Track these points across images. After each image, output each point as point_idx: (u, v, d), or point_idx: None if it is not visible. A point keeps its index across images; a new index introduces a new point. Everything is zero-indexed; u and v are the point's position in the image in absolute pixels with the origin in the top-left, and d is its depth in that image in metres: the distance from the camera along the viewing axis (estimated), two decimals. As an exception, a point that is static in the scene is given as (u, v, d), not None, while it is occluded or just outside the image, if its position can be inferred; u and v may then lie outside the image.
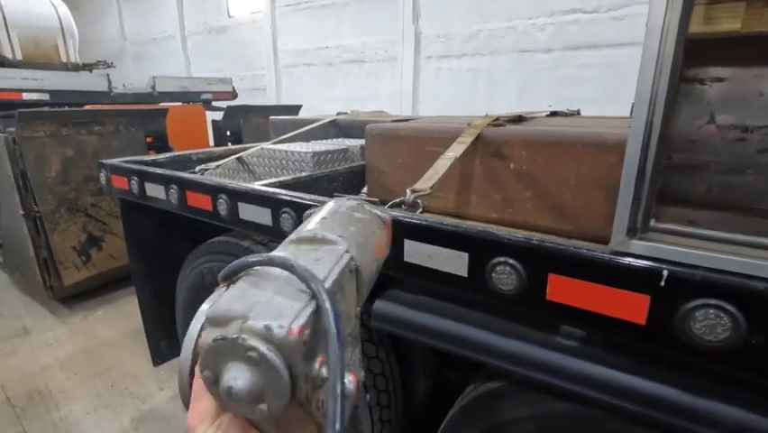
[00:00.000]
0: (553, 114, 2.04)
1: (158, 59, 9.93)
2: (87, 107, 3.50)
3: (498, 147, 1.26)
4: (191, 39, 9.11)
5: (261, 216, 1.21)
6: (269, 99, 7.57)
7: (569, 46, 4.52)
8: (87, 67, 5.42)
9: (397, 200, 1.06)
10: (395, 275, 0.98)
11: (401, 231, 0.91)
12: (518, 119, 1.52)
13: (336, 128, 2.21)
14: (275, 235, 1.19)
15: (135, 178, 1.64)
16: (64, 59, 5.27)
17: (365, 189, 1.57)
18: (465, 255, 0.82)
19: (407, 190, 1.08)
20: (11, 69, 3.75)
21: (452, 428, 1.04)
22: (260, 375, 0.33)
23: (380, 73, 6.09)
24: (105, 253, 3.10)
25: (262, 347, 0.33)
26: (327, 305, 0.37)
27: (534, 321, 0.83)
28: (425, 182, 1.12)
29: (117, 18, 10.57)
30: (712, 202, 1.01)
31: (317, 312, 0.37)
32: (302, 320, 0.35)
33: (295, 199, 1.12)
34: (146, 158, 1.92)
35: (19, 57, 4.79)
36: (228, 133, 4.09)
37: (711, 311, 0.59)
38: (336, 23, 6.37)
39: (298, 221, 1.12)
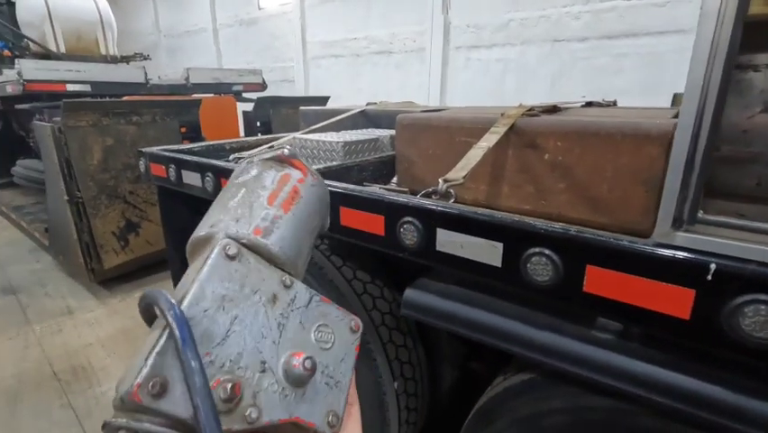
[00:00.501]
0: (589, 104, 1.98)
1: (190, 51, 10.18)
2: (126, 98, 3.63)
3: (532, 137, 1.24)
4: (222, 31, 9.28)
5: (294, 203, 1.23)
6: (298, 91, 7.65)
7: (605, 35, 4.35)
8: (125, 59, 5.62)
9: (429, 190, 1.06)
10: (426, 264, 0.99)
11: (433, 220, 0.91)
12: (553, 109, 1.49)
13: (366, 118, 2.21)
14: (307, 223, 1.21)
15: (173, 165, 1.70)
16: (104, 52, 5.48)
17: (395, 179, 1.57)
18: (500, 245, 0.81)
19: (440, 180, 1.07)
20: (56, 62, 3.93)
21: (481, 418, 1.04)
22: None
23: (408, 64, 6.05)
24: (141, 239, 3.23)
25: (124, 422, 0.30)
26: (174, 327, 0.32)
27: (570, 313, 0.82)
28: (458, 172, 1.11)
29: (153, 12, 10.87)
30: (762, 196, 0.96)
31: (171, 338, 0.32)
32: (145, 370, 0.31)
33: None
34: (182, 147, 1.98)
35: (63, 50, 5.01)
36: (258, 123, 4.16)
37: (762, 307, 0.57)
38: (364, 15, 6.35)
39: (331, 209, 1.13)
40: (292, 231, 0.42)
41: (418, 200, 0.94)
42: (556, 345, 0.80)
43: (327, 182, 1.15)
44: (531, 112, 1.36)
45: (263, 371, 0.35)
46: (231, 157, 1.76)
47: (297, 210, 0.43)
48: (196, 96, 4.36)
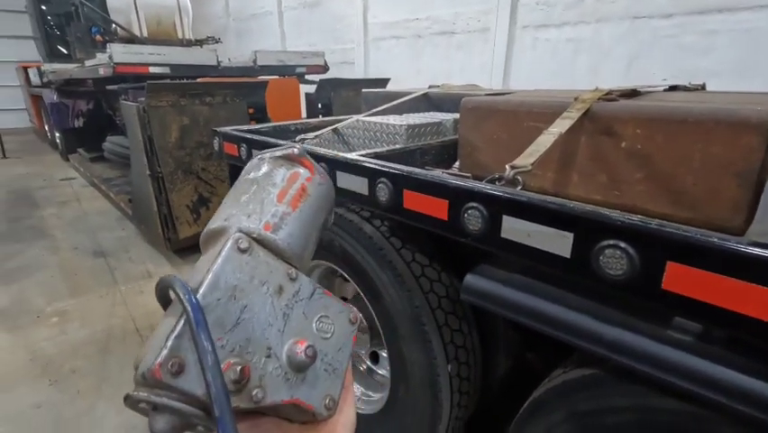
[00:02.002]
0: (673, 88, 1.82)
1: (256, 34, 10.54)
2: (200, 80, 3.86)
3: (608, 124, 1.17)
4: (287, 14, 9.49)
5: (358, 185, 1.26)
6: (357, 73, 7.68)
7: (694, 10, 3.92)
8: (199, 42, 5.95)
9: (495, 176, 1.04)
10: (488, 250, 0.98)
11: (500, 207, 0.90)
12: (632, 93, 1.39)
13: (428, 101, 2.19)
14: (370, 205, 1.24)
15: (244, 145, 1.80)
16: (180, 36, 5.83)
17: (457, 164, 1.56)
18: (570, 235, 0.78)
19: (507, 166, 1.05)
20: (140, 46, 4.24)
21: (536, 409, 1.03)
22: (164, 417, 0.33)
23: (471, 45, 5.85)
24: (211, 213, 3.45)
25: (145, 396, 0.32)
26: (191, 313, 0.34)
27: (643, 310, 0.79)
28: (526, 158, 1.08)
29: (223, -4, 11.33)
30: None
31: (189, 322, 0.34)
32: (165, 351, 0.33)
33: (391, 170, 1.15)
34: (252, 127, 2.09)
35: (145, 34, 5.40)
36: (319, 105, 4.26)
37: None
38: (428, -7, 6.20)
39: (394, 191, 1.15)
40: (299, 227, 0.45)
41: (484, 186, 0.93)
42: (626, 342, 0.77)
43: (391, 165, 1.17)
44: (608, 96, 1.28)
45: (269, 356, 0.38)
46: (297, 138, 1.83)
47: (305, 207, 0.46)
48: (261, 77, 4.54)
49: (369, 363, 1.88)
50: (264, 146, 1.65)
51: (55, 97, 7.09)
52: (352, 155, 1.31)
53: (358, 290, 1.48)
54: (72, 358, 2.34)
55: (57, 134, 7.70)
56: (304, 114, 4.68)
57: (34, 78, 7.93)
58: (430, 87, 2.35)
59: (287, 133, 2.13)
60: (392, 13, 6.86)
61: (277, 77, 4.84)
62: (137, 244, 3.90)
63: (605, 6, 4.43)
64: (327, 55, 6.07)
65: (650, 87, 1.70)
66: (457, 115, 1.86)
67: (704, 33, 3.91)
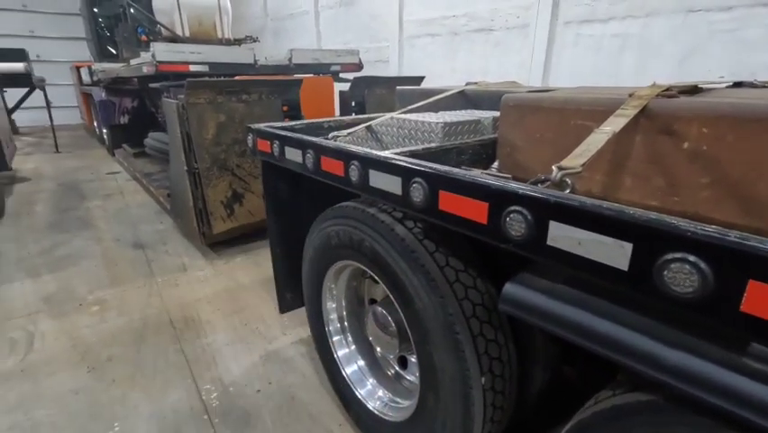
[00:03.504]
0: (738, 84, 1.66)
1: (292, 33, 10.68)
2: (237, 78, 3.92)
3: (668, 122, 1.06)
4: (323, 13, 9.56)
5: (391, 184, 1.21)
6: (392, 71, 7.63)
7: (759, 1, 3.62)
8: (237, 41, 6.08)
9: (540, 177, 0.96)
10: (530, 257, 0.90)
11: (546, 211, 0.83)
12: (693, 90, 1.27)
13: (465, 99, 2.11)
14: (403, 205, 1.19)
15: (277, 142, 1.79)
16: (219, 36, 5.98)
17: (496, 164, 1.48)
18: (629, 246, 0.70)
19: (553, 167, 0.97)
20: (182, 45, 4.37)
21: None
22: None
23: (509, 42, 5.68)
24: (244, 209, 3.51)
25: None
26: None
27: (713, 333, 0.69)
28: (575, 159, 0.99)
29: (262, -4, 11.56)
30: None
31: None
32: None
33: (426, 170, 1.09)
34: (285, 124, 2.08)
35: (187, 34, 5.56)
36: (353, 103, 4.24)
37: None
38: (466, -10, 6.06)
39: (430, 192, 1.09)
40: None
41: (529, 188, 0.85)
42: (692, 368, 0.68)
43: (426, 164, 1.11)
44: (667, 92, 1.17)
45: None
46: (330, 135, 1.80)
47: None
48: (296, 75, 4.57)
49: (397, 367, 1.83)
50: (297, 143, 1.63)
51: (103, 95, 7.46)
52: (386, 153, 1.26)
53: (387, 292, 1.43)
54: (109, 346, 2.42)
55: (104, 130, 8.09)
56: (337, 112, 4.68)
57: (85, 77, 8.37)
58: (467, 84, 2.27)
59: (320, 130, 2.11)
60: (428, 10, 6.76)
61: (311, 75, 4.86)
62: (174, 237, 4.02)
63: (656, 0, 4.17)
64: (362, 53, 6.05)
65: (711, 83, 1.56)
66: (496, 113, 1.78)
67: (768, 27, 3.61)
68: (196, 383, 2.13)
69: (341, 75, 5.06)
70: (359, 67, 5.19)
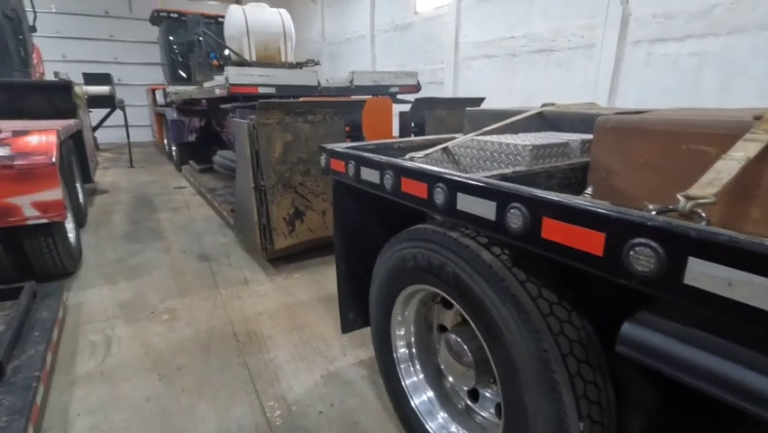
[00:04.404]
0: None
1: (348, 56, 11.06)
2: (302, 99, 4.06)
3: (812, 149, 0.94)
4: (379, 37, 9.84)
5: (484, 209, 1.16)
6: (446, 92, 7.66)
7: None
8: (299, 65, 6.35)
9: (665, 207, 0.88)
10: (657, 295, 0.81)
11: (685, 246, 0.74)
12: (829, 112, 1.13)
13: (542, 120, 2.04)
14: (497, 231, 1.13)
15: (352, 162, 1.79)
16: (283, 59, 6.28)
17: (589, 190, 1.39)
18: (804, 292, 0.60)
19: (679, 196, 0.88)
20: (250, 68, 4.62)
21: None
22: None
23: (571, 62, 5.52)
24: (305, 226, 3.58)
25: None
26: None
27: None
28: (704, 188, 0.90)
29: (320, 22, 12.13)
30: None
31: None
32: None
33: (528, 195, 1.03)
34: (358, 144, 2.09)
35: (254, 58, 5.88)
36: (412, 124, 4.26)
37: None
38: (526, 11, 6.01)
39: (530, 219, 1.03)
40: None
41: (664, 220, 0.77)
42: None
43: (528, 189, 1.05)
44: (804, 115, 1.04)
45: None
46: (407, 156, 1.78)
47: None
48: (355, 97, 4.68)
49: (467, 400, 1.73)
50: (375, 164, 1.62)
51: (175, 115, 8.03)
52: (479, 176, 1.21)
53: (470, 321, 1.36)
54: (178, 355, 2.50)
55: (173, 147, 8.68)
56: (395, 132, 4.71)
57: (159, 99, 9.09)
58: (543, 105, 2.19)
59: (390, 151, 2.10)
60: (485, 32, 6.76)
61: (370, 96, 4.95)
62: (236, 251, 4.16)
63: (741, 16, 3.90)
64: (417, 75, 6.13)
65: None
66: (584, 136, 1.69)
67: None
68: (260, 399, 2.14)
69: (398, 96, 5.12)
70: (417, 88, 5.24)
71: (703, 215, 0.83)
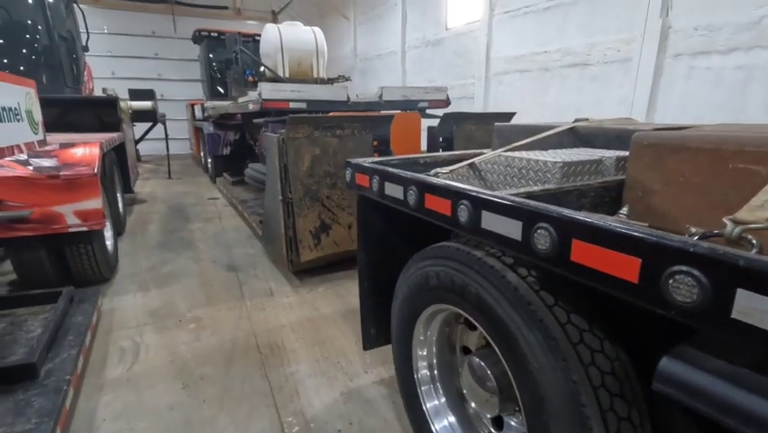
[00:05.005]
0: None
1: (379, 72, 11.21)
2: (332, 114, 4.12)
3: None
4: (409, 53, 9.94)
5: (509, 228, 1.11)
6: (476, 107, 7.60)
7: None
8: (331, 81, 6.47)
9: (710, 232, 0.80)
10: (702, 329, 0.74)
11: (732, 276, 0.67)
12: None
13: (574, 136, 1.96)
14: (523, 252, 1.08)
15: (376, 177, 1.78)
16: (315, 75, 6.42)
17: (624, 210, 1.31)
18: None
19: (726, 220, 0.81)
20: (283, 84, 4.74)
21: None
22: None
23: (607, 77, 5.36)
24: (330, 239, 3.59)
25: None
26: None
27: None
28: (754, 211, 0.82)
29: (352, 39, 12.39)
30: None
31: None
32: None
33: (557, 215, 0.98)
34: (382, 159, 2.08)
35: (287, 74, 6.05)
36: (441, 139, 4.23)
37: None
38: (559, 26, 5.91)
39: (559, 240, 0.97)
40: None
41: (708, 247, 0.70)
42: None
43: (557, 209, 1.00)
44: None
45: None
46: (432, 172, 1.75)
47: None
48: (384, 112, 4.71)
49: (491, 428, 1.65)
50: (399, 179, 1.60)
51: (211, 129, 8.35)
52: (504, 194, 1.16)
53: (494, 346, 1.30)
54: (202, 365, 2.52)
55: (209, 160, 9.01)
56: (423, 147, 4.70)
57: (198, 113, 9.49)
58: (575, 120, 2.12)
59: (415, 166, 2.08)
60: (517, 47, 6.69)
61: (399, 111, 4.98)
62: (262, 262, 4.22)
63: (793, 27, 3.68)
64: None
65: None
66: (619, 153, 1.61)
67: None
68: (279, 414, 2.12)
69: (428, 111, 5.12)
70: (446, 103, 5.22)
71: (754, 241, 0.75)
